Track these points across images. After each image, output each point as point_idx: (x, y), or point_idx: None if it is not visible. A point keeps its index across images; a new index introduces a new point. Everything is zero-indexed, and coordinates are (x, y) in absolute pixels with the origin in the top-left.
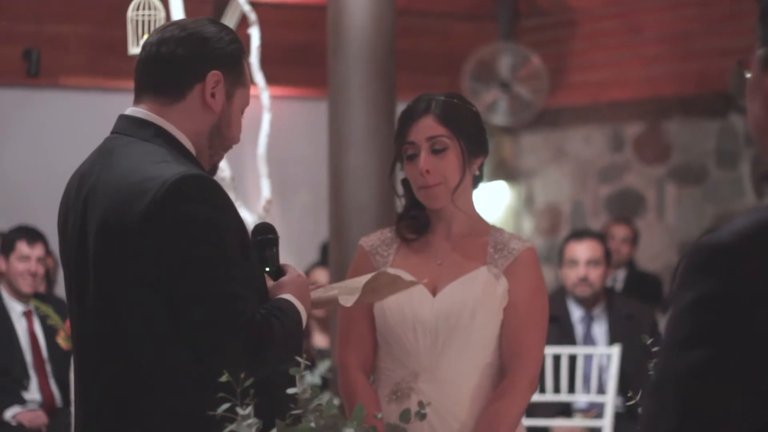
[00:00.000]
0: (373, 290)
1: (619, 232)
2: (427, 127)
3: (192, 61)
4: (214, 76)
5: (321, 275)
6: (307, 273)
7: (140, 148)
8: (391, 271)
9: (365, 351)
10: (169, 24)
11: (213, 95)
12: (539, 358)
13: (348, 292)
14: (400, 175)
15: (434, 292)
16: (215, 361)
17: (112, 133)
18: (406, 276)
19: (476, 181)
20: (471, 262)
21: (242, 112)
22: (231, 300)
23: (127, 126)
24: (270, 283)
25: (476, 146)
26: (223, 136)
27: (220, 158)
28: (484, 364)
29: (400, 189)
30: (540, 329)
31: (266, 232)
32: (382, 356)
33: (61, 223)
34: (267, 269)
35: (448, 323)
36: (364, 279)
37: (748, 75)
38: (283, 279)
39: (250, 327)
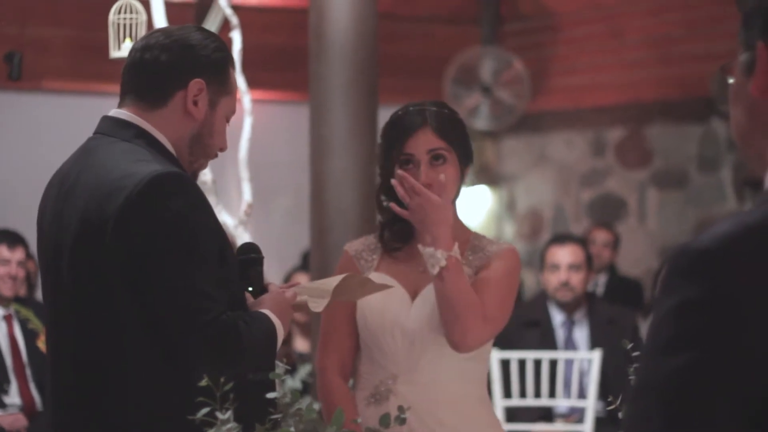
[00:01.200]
0: (345, 292)
1: (601, 236)
2: (427, 140)
3: (174, 68)
4: (196, 84)
5: (302, 280)
6: (289, 278)
7: (121, 147)
8: (372, 276)
9: (344, 354)
10: (156, 30)
11: (195, 103)
12: (499, 312)
13: (319, 294)
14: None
15: (414, 297)
16: (179, 357)
17: (94, 133)
18: (376, 280)
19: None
20: None
21: (228, 121)
22: (197, 296)
23: (109, 126)
24: (249, 300)
25: (468, 156)
26: (204, 143)
27: (202, 166)
28: (463, 367)
29: (382, 205)
30: (503, 292)
31: (250, 252)
32: (363, 360)
33: (39, 220)
34: (250, 288)
35: (426, 326)
36: (334, 281)
37: (731, 81)
38: (263, 296)
39: (214, 326)
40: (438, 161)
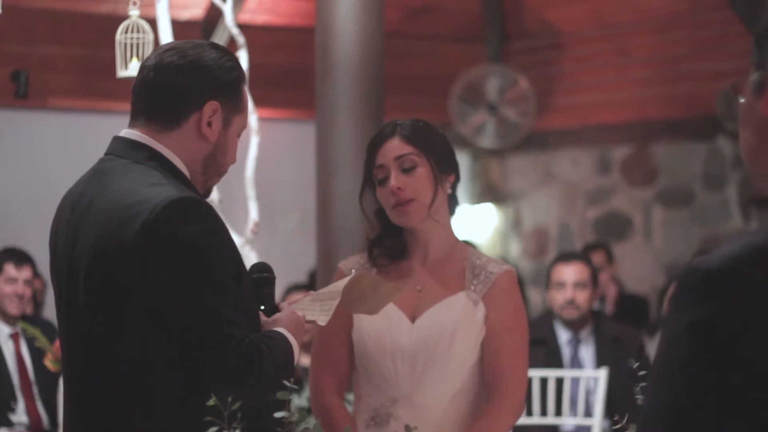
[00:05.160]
0: (359, 297)
1: (594, 259)
2: (395, 147)
3: (189, 92)
4: (211, 105)
5: (298, 298)
6: (285, 295)
7: (134, 170)
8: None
9: (340, 373)
10: (170, 47)
11: (209, 124)
12: (522, 383)
13: (329, 297)
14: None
15: (413, 318)
16: (203, 384)
17: (106, 154)
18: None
19: (452, 204)
20: (449, 288)
21: (239, 135)
22: (220, 323)
23: (121, 148)
24: (264, 319)
25: (445, 163)
26: (217, 163)
27: (215, 182)
28: (464, 391)
29: (373, 217)
30: (521, 354)
31: (263, 271)
32: (361, 382)
33: (52, 243)
34: (262, 307)
35: (426, 350)
36: (342, 282)
37: (742, 100)
38: (278, 315)
39: (238, 351)
40: (408, 169)
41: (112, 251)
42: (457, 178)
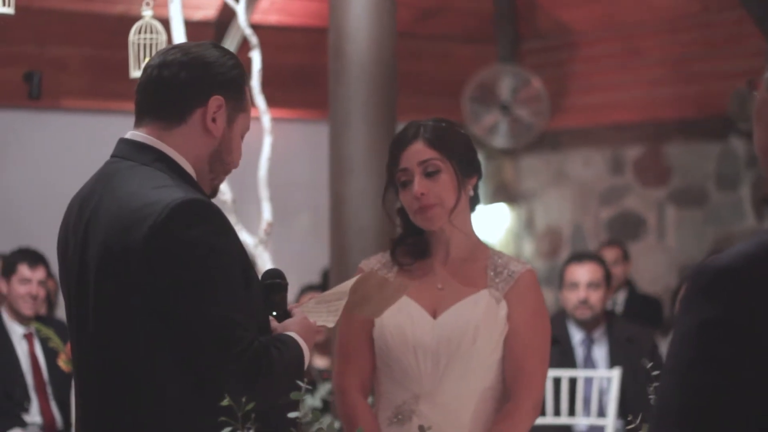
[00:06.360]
0: (364, 298)
1: (609, 255)
2: (418, 151)
3: (194, 86)
4: (216, 100)
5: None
6: (299, 296)
7: (140, 172)
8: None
9: (364, 373)
10: (172, 47)
11: (214, 120)
12: (542, 382)
13: (336, 298)
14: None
15: (435, 315)
16: (212, 387)
17: (112, 156)
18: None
19: (473, 203)
20: (471, 286)
21: (242, 137)
22: (229, 326)
23: (127, 150)
24: (275, 324)
25: (468, 166)
26: (223, 161)
27: (222, 181)
28: (486, 388)
29: (395, 216)
30: (542, 353)
31: (275, 277)
32: (382, 379)
33: (62, 247)
34: (274, 313)
35: (449, 347)
36: (349, 282)
37: (757, 96)
38: (289, 320)
39: (247, 354)
40: (431, 173)
41: (120, 254)
42: (479, 178)
